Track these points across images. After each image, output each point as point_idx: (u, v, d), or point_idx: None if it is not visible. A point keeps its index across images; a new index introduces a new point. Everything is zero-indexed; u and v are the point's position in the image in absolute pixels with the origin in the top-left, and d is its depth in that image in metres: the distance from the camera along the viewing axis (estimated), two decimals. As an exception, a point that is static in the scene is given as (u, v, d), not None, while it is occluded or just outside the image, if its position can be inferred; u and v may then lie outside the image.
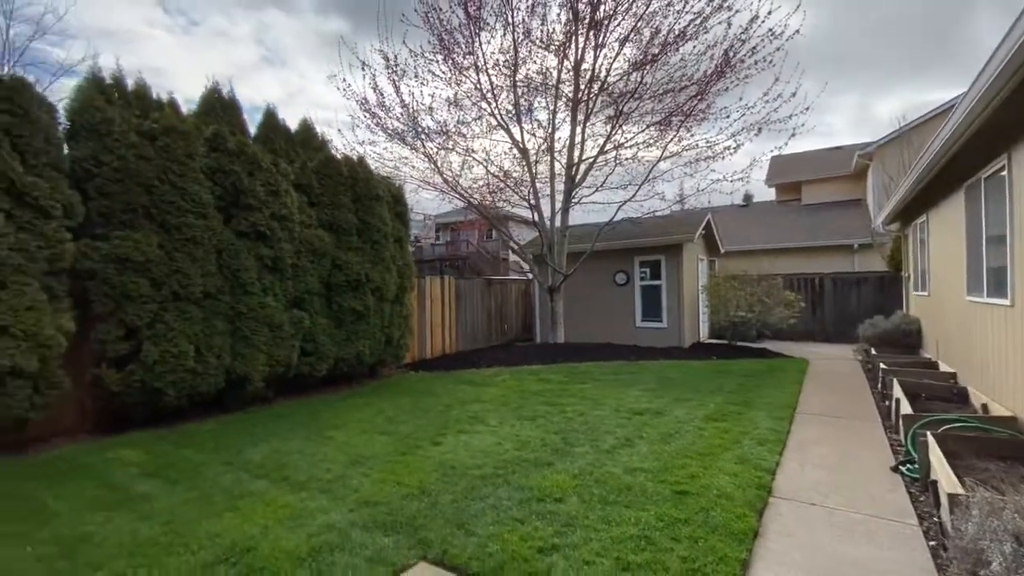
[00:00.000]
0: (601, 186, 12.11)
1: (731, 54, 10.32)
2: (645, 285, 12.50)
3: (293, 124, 8.62)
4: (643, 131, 11.60)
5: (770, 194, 24.01)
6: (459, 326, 12.28)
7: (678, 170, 11.88)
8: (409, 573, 2.59)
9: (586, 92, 11.40)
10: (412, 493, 3.54)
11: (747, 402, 6.16)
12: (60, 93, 5.05)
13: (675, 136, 11.33)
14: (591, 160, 12.02)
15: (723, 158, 11.27)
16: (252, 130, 7.94)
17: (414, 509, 3.27)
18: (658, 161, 11.57)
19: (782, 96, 10.26)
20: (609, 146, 11.75)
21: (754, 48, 10.16)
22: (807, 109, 10.32)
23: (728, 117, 10.94)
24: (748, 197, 26.43)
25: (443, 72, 11.35)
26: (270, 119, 8.20)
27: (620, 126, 11.53)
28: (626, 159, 12.00)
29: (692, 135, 11.39)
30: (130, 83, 6.69)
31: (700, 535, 2.85)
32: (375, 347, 8.46)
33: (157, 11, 34.94)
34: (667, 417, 5.51)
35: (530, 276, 14.27)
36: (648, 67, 10.82)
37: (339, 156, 8.49)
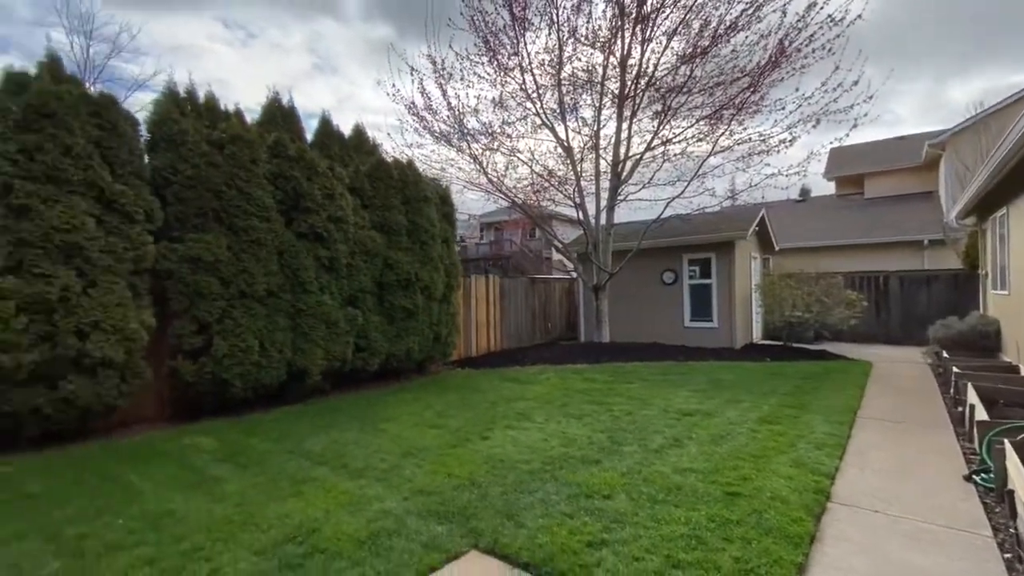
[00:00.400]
0: (648, 183, 11.91)
1: (787, 43, 9.91)
2: (694, 284, 12.20)
3: (345, 129, 8.98)
4: (692, 126, 11.33)
5: (829, 188, 22.81)
6: (504, 324, 12.41)
7: (729, 165, 11.52)
8: (462, 560, 2.69)
9: (632, 88, 11.25)
10: (463, 484, 3.66)
11: (803, 405, 5.93)
12: (135, 106, 5.56)
13: (726, 130, 10.99)
14: (638, 156, 11.85)
15: (778, 151, 10.84)
16: (308, 136, 8.35)
17: (465, 499, 3.38)
18: (708, 156, 11.26)
19: (842, 85, 9.76)
20: (656, 142, 11.55)
21: (812, 36, 9.70)
22: (870, 98, 9.77)
23: (783, 109, 10.51)
24: (805, 192, 25.23)
25: (488, 74, 11.50)
26: (325, 126, 8.58)
27: (668, 121, 11.30)
28: (674, 155, 11.75)
29: (744, 128, 11.01)
30: (201, 95, 7.20)
31: (753, 537, 2.80)
32: (424, 344, 8.71)
33: (218, 26, 37.14)
34: (718, 419, 5.39)
35: (574, 275, 14.23)
36: (697, 60, 10.55)
37: (389, 159, 8.79)
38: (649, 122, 11.74)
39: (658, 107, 11.34)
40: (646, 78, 11.05)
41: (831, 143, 10.51)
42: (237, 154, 6.32)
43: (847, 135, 10.11)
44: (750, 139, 10.97)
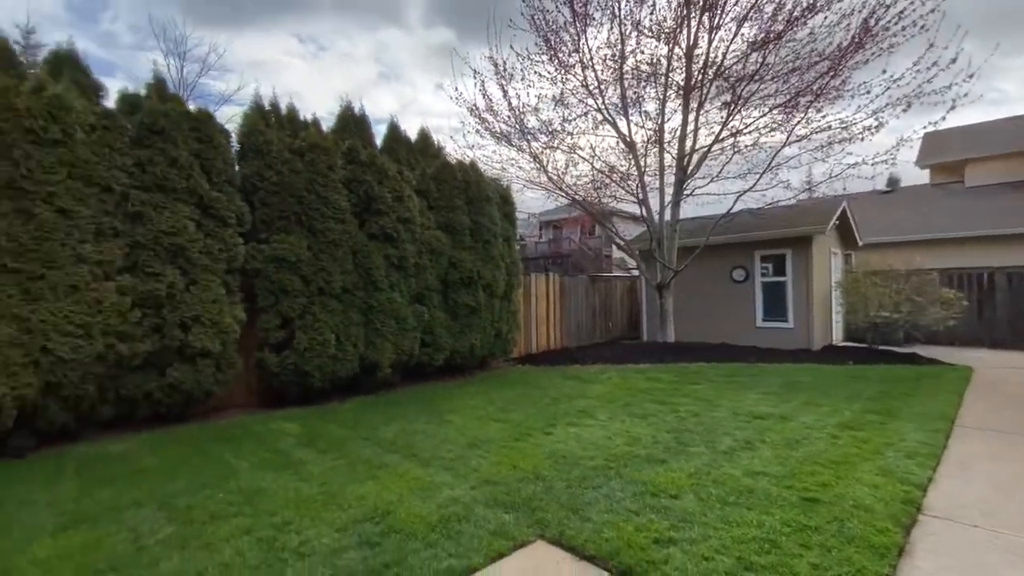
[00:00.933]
0: (716, 176, 11.45)
1: (872, 22, 9.20)
2: (767, 282, 11.60)
3: (409, 133, 9.34)
4: (765, 115, 10.77)
5: (922, 176, 20.84)
6: (563, 323, 12.40)
7: (806, 155, 10.85)
8: (528, 548, 2.76)
9: (699, 78, 10.87)
10: (527, 477, 3.73)
11: (891, 411, 5.49)
12: (223, 119, 6.14)
13: (803, 118, 10.36)
14: (705, 149, 11.43)
15: (862, 139, 10.08)
16: (378, 142, 8.76)
17: (530, 491, 3.45)
18: (783, 147, 10.67)
19: (938, 64, 8.92)
20: (725, 133, 11.08)
21: (901, 13, 8.95)
22: (971, 76, 8.87)
23: (868, 93, 9.77)
24: (894, 181, 23.24)
25: (548, 72, 11.52)
26: (393, 131, 8.97)
27: (738, 111, 10.81)
28: (745, 146, 11.23)
29: (823, 116, 10.33)
30: (282, 106, 7.76)
31: (833, 544, 2.66)
32: (485, 340, 8.90)
33: (293, 41, 39.64)
34: (793, 423, 5.12)
35: (636, 273, 13.95)
36: (770, 46, 10.02)
37: (452, 161, 9.05)
38: (717, 113, 11.30)
39: (727, 97, 10.87)
40: (714, 68, 10.64)
41: (925, 127, 9.64)
42: (316, 161, 6.76)
43: (943, 118, 9.24)
44: (830, 127, 10.28)
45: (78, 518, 3.27)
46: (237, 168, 6.46)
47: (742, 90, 10.51)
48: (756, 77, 10.32)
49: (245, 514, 3.23)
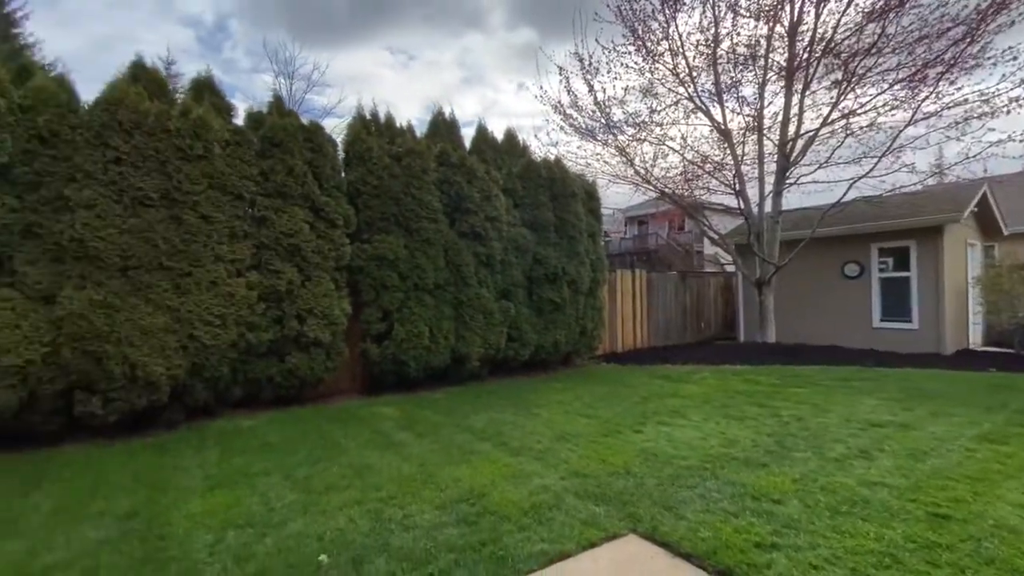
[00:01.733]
0: (825, 162, 10.50)
1: (1022, -25, 7.92)
2: (886, 277, 10.44)
3: (493, 134, 9.56)
4: (884, 92, 9.68)
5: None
6: (650, 321, 12.04)
7: (936, 134, 9.61)
8: (620, 541, 2.75)
9: (804, 57, 10.03)
10: (617, 472, 3.71)
11: (1047, 426, 4.73)
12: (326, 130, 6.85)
13: (932, 93, 9.18)
14: (811, 133, 10.53)
15: (1007, 112, 8.73)
16: (465, 143, 9.08)
17: (621, 486, 3.43)
18: (906, 126, 9.54)
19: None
20: (835, 115, 10.12)
21: (1062, -40, 7.61)
22: None
23: (1015, 59, 8.43)
24: (1051, 160, 19.76)
25: (635, 63, 11.24)
26: (481, 133, 9.24)
27: (851, 90, 9.83)
28: (860, 128, 10.17)
29: (958, 88, 9.08)
30: (381, 115, 8.31)
31: (968, 565, 2.37)
32: (570, 337, 8.90)
33: (385, 54, 42.09)
34: (918, 432, 4.59)
35: (732, 269, 13.17)
36: (891, 15, 9.00)
37: (538, 159, 9.14)
38: (825, 93, 10.37)
39: (837, 75, 9.94)
40: (822, 44, 9.76)
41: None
42: (411, 165, 7.17)
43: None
44: (966, 100, 9.03)
45: (220, 482, 3.78)
46: (343, 175, 7.04)
47: (856, 66, 9.54)
48: (873, 51, 9.31)
49: (355, 487, 3.54)
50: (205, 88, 6.53)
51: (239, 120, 6.50)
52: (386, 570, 2.46)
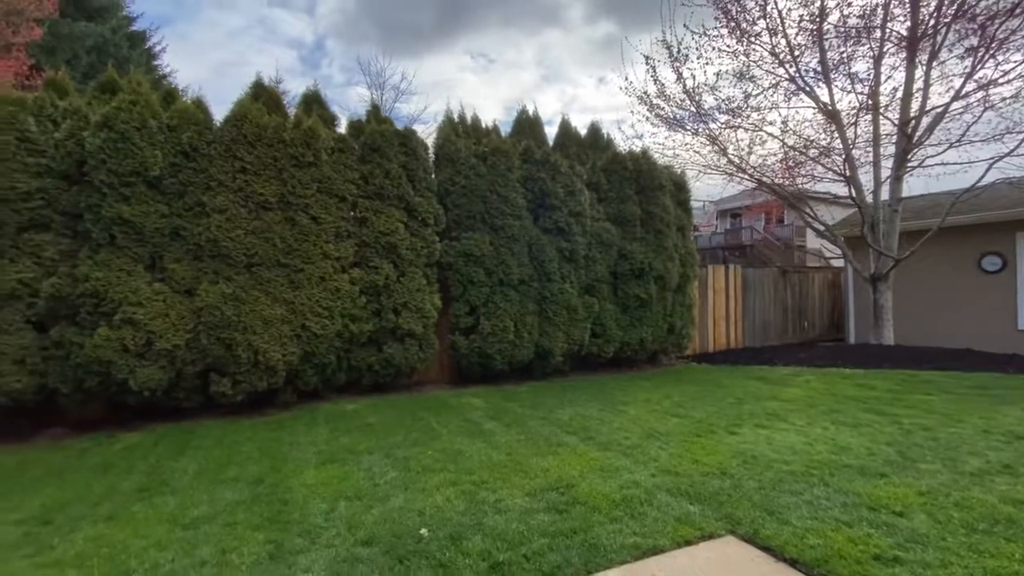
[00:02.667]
0: (957, 141, 9.24)
1: None
2: (1035, 271, 8.98)
3: (577, 129, 9.49)
4: (1033, 56, 8.33)
5: None
6: (745, 319, 11.33)
7: (1105, 102, 8.09)
8: (718, 541, 2.65)
9: (930, 24, 8.89)
10: (711, 472, 3.56)
11: None
12: None
13: (1100, 52, 7.75)
14: (939, 109, 9.32)
15: None
16: (549, 140, 9.11)
17: (716, 487, 3.29)
18: (1063, 94, 8.13)
19: None
20: (970, 86, 8.88)
21: None
22: None
23: None
24: None
25: (728, 46, 10.59)
26: (564, 128, 9.24)
27: (990, 56, 8.57)
28: (1002, 100, 8.84)
29: None
30: (468, 117, 8.59)
31: None
32: (657, 334, 8.63)
33: (466, 58, 43.28)
34: (1082, 449, 3.92)
35: (838, 263, 12.01)
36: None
37: (623, 152, 8.94)
38: (957, 63, 9.13)
39: (972, 41, 8.71)
40: (953, 7, 8.60)
41: None
42: (497, 164, 7.35)
43: None
44: None
45: (329, 457, 4.14)
46: (433, 175, 7.37)
47: (996, 30, 8.29)
48: (1017, 11, 8.04)
49: (449, 470, 3.73)
50: (313, 101, 7.16)
51: (341, 128, 7.05)
52: (482, 547, 2.57)
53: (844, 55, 9.98)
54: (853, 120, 10.26)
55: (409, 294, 6.57)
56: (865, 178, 10.16)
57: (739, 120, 11.31)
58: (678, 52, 10.82)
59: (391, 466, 3.87)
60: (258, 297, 5.66)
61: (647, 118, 11.93)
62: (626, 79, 12.42)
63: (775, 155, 11.54)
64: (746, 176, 11.61)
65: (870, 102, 9.83)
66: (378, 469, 3.81)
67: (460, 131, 8.11)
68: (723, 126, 11.42)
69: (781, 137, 11.10)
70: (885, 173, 9.86)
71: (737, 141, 11.49)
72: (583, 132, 9.45)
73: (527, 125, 8.94)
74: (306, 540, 2.74)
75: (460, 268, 7.10)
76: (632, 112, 21.20)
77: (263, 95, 6.49)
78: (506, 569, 2.37)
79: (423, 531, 2.75)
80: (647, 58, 11.15)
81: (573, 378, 7.88)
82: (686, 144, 11.92)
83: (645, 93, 11.59)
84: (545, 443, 4.36)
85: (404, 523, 2.88)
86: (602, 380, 7.71)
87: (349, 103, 46.34)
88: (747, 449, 4.10)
